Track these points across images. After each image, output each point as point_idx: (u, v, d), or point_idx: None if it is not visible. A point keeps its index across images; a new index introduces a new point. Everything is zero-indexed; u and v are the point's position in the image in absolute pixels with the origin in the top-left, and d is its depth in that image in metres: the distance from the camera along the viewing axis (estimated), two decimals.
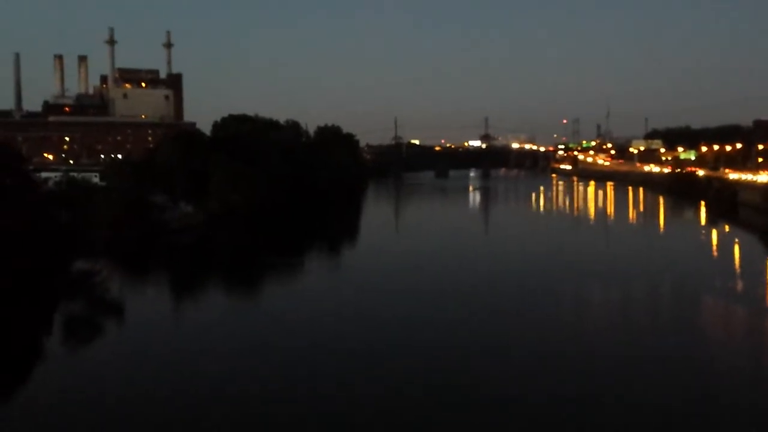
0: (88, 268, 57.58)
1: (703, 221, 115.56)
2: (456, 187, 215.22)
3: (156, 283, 65.58)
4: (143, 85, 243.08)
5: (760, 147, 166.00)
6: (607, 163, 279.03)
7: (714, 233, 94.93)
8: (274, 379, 34.36)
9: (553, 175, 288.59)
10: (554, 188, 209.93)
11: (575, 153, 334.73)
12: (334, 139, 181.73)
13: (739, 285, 58.10)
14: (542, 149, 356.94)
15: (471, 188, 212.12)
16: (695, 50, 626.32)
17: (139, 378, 35.07)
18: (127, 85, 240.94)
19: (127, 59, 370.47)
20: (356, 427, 29.02)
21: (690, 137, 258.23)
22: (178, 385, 34.13)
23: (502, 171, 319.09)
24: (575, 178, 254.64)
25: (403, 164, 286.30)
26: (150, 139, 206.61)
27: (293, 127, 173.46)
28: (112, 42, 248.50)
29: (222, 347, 40.22)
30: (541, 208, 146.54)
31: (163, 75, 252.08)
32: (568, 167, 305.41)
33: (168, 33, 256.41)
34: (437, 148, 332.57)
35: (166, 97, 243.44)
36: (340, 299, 53.00)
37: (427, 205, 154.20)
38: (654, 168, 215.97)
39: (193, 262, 75.70)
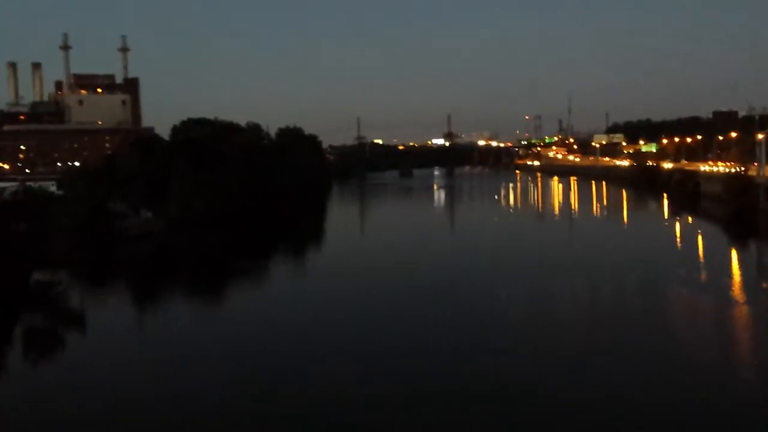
0: (47, 278, 55.95)
1: (666, 213, 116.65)
2: (420, 186, 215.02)
3: (115, 292, 63.51)
4: (99, 90, 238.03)
5: (720, 138, 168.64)
6: (570, 158, 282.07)
7: (678, 225, 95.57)
8: (237, 381, 33.35)
9: (517, 171, 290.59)
10: (519, 185, 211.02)
11: (538, 149, 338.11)
12: (296, 140, 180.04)
13: (706, 275, 58.07)
14: (506, 146, 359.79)
15: (436, 187, 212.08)
16: (654, 44, 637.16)
17: (99, 387, 34.28)
18: (82, 91, 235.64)
19: (82, 65, 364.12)
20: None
21: (650, 130, 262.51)
22: (136, 394, 33.06)
23: (467, 169, 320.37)
24: (539, 174, 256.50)
25: (367, 164, 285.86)
26: (108, 145, 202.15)
27: (254, 129, 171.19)
28: (66, 47, 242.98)
29: (181, 354, 39.35)
30: (507, 205, 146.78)
31: (119, 80, 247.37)
32: (532, 163, 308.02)
33: (123, 37, 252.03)
34: (401, 147, 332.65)
35: (123, 102, 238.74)
36: (301, 306, 51.67)
37: (392, 206, 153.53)
38: (616, 162, 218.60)
39: (153, 270, 73.78)
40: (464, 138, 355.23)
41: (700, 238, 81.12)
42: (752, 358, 36.68)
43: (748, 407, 29.41)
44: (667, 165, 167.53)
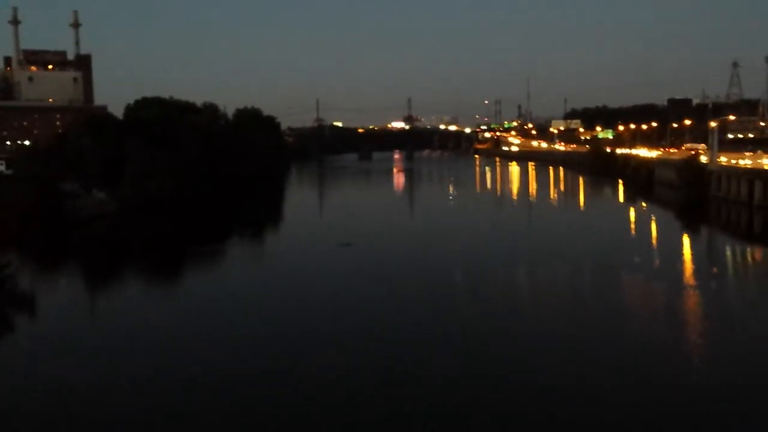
0: None
1: (621, 199, 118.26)
2: (380, 169, 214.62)
3: (68, 275, 62.38)
4: (50, 67, 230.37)
5: (674, 125, 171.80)
6: (528, 143, 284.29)
7: (632, 211, 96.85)
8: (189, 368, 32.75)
9: (476, 156, 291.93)
10: (477, 169, 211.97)
11: (497, 134, 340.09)
12: (254, 121, 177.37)
13: (657, 260, 58.99)
14: (465, 130, 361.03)
15: (395, 170, 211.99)
16: (611, 31, 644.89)
17: (46, 370, 34.12)
18: (32, 67, 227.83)
19: (33, 40, 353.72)
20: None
21: (607, 116, 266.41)
22: (86, 378, 32.71)
23: (426, 152, 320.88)
24: (498, 159, 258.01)
25: (326, 147, 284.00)
26: (59, 123, 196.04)
27: (211, 109, 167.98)
28: (15, 22, 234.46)
29: (130, 339, 39.01)
30: (467, 190, 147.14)
31: (71, 56, 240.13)
32: (491, 148, 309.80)
33: (75, 12, 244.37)
34: (360, 130, 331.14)
35: (75, 80, 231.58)
36: (246, 289, 51.41)
37: (350, 190, 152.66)
38: (574, 147, 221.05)
39: (106, 253, 72.32)
40: (424, 122, 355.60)
41: (653, 224, 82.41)
42: (696, 338, 37.80)
43: (686, 381, 30.46)
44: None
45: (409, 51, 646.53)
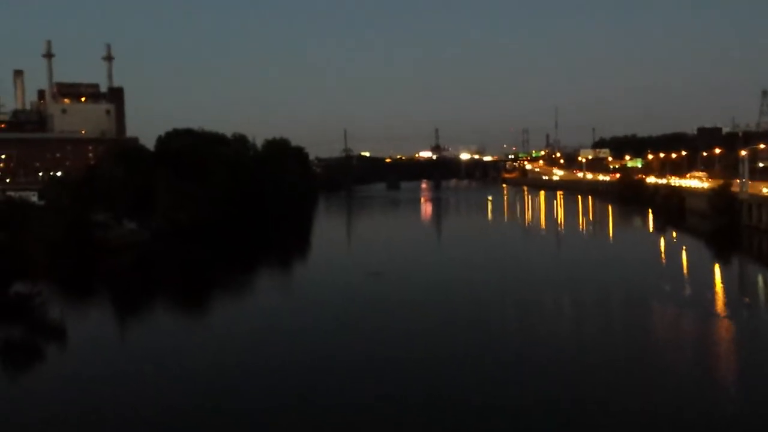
0: (26, 290, 55.21)
1: (651, 229, 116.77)
2: (408, 199, 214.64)
3: (98, 305, 62.97)
4: (83, 99, 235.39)
5: (704, 154, 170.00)
6: (556, 173, 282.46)
7: (663, 241, 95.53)
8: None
9: (504, 185, 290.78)
10: (505, 199, 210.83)
11: (525, 163, 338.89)
12: (282, 152, 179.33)
13: (690, 290, 58.11)
14: (493, 159, 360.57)
15: (423, 200, 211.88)
16: (639, 59, 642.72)
17: (76, 401, 34.25)
18: (66, 99, 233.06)
19: (66, 73, 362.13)
20: None
21: (636, 145, 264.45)
22: (113, 409, 32.80)
23: (454, 182, 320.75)
24: (525, 188, 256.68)
25: (354, 177, 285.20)
26: (91, 155, 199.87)
27: (240, 140, 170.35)
28: (49, 55, 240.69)
29: (157, 366, 39.13)
30: (495, 220, 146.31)
31: (103, 89, 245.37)
32: (518, 177, 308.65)
33: (108, 46, 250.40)
34: (388, 160, 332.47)
35: (107, 112, 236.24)
36: (274, 324, 50.68)
37: (379, 219, 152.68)
38: (602, 177, 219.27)
39: (136, 283, 72.97)
40: (451, 151, 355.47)
41: (684, 253, 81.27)
42: (731, 370, 37.29)
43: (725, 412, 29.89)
44: (653, 180, 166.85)
45: (436, 80, 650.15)
